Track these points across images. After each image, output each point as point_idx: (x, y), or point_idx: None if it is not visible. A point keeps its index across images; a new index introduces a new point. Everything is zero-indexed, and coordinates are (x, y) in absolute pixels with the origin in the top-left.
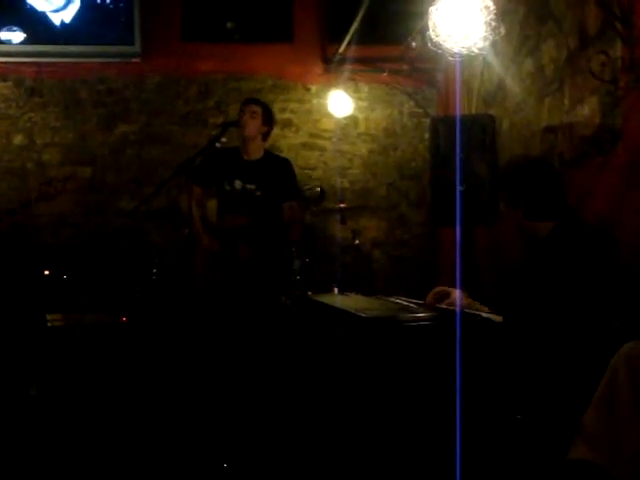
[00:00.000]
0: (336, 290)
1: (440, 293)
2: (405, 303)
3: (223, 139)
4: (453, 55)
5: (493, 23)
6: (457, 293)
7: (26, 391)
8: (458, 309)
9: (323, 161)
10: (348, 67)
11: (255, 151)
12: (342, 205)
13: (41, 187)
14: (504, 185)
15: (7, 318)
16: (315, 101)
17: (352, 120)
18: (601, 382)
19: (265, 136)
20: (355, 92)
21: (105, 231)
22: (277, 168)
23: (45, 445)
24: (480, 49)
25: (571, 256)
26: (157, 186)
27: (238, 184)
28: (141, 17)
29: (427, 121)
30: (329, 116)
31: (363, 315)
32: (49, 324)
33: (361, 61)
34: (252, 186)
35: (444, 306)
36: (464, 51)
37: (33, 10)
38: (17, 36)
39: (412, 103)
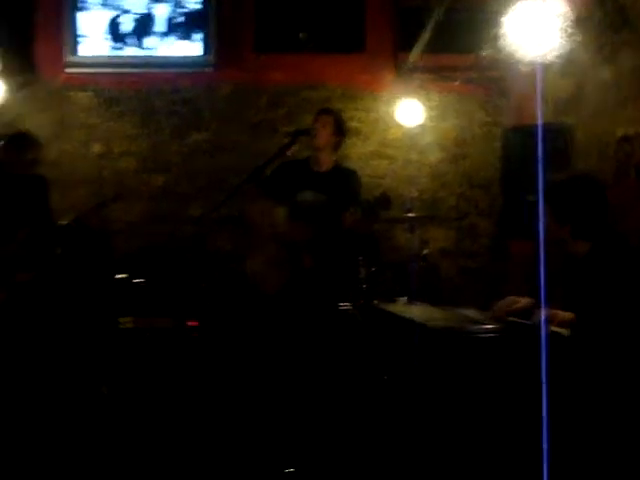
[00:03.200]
0: (403, 300)
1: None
2: (472, 314)
3: (293, 147)
4: (526, 65)
5: (569, 30)
6: (527, 301)
7: (98, 389)
8: (543, 326)
9: (392, 170)
10: (419, 76)
11: (325, 162)
12: (410, 214)
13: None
14: (551, 200)
15: (81, 319)
16: (385, 110)
17: (422, 129)
18: None
19: (336, 147)
20: (426, 101)
21: (176, 237)
22: (345, 180)
23: (114, 441)
24: (554, 57)
25: (610, 276)
26: (227, 194)
27: (308, 195)
28: (215, 28)
29: (498, 130)
30: (398, 125)
31: (429, 325)
32: (120, 326)
33: (432, 70)
34: (321, 197)
35: (514, 319)
36: (538, 60)
37: (114, 22)
38: (98, 48)
39: (483, 112)
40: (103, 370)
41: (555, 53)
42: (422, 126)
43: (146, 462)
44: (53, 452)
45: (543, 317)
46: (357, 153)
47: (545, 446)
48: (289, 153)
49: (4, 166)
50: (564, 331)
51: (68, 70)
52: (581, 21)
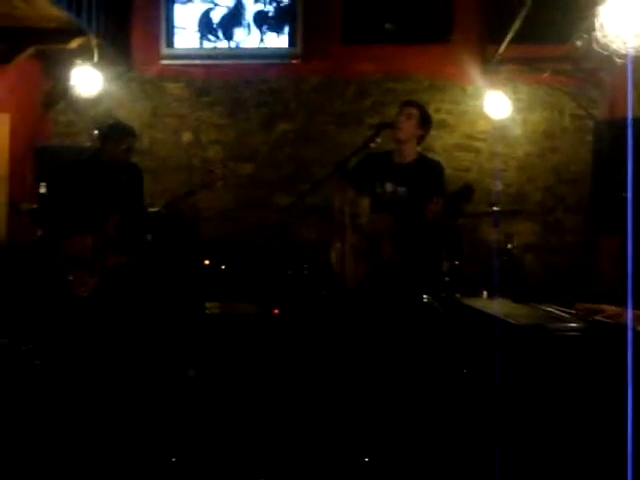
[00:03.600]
0: (485, 294)
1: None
2: (557, 312)
3: (378, 139)
4: (622, 56)
5: None
6: (612, 308)
7: (185, 373)
8: (630, 324)
9: (478, 163)
10: (507, 67)
11: (408, 154)
12: (495, 208)
13: (203, 177)
14: None
15: (169, 304)
16: (471, 102)
17: (509, 121)
18: None
19: (420, 139)
20: (514, 93)
21: (262, 225)
22: (429, 171)
23: (200, 423)
24: None
25: None
26: (312, 183)
27: (389, 187)
28: (303, 20)
29: (590, 123)
30: (485, 117)
31: (513, 322)
32: (207, 312)
33: (521, 61)
34: (403, 189)
35: (599, 318)
36: (633, 52)
37: (207, 15)
38: (190, 41)
39: (574, 104)
40: (190, 354)
41: None
42: (510, 119)
43: (233, 444)
44: (143, 432)
45: (630, 317)
46: (442, 145)
47: (630, 447)
48: (373, 145)
49: (101, 154)
50: None
51: (163, 62)
52: None
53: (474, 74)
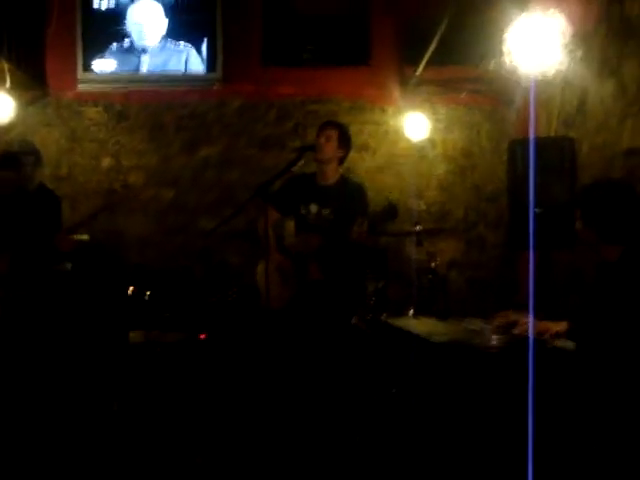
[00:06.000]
0: (411, 313)
1: (508, 318)
2: (476, 327)
3: (300, 163)
4: (528, 80)
5: (570, 46)
6: (530, 319)
7: (109, 406)
8: (531, 336)
9: (400, 183)
10: (425, 89)
11: (331, 175)
12: (418, 227)
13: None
14: (581, 203)
15: (91, 334)
16: (392, 123)
17: (429, 142)
18: None
19: (341, 160)
20: (432, 114)
21: (186, 251)
22: (351, 192)
23: (124, 456)
24: (556, 73)
25: (634, 282)
26: (234, 208)
27: (314, 208)
28: (222, 44)
29: (506, 142)
30: (406, 138)
31: (432, 340)
32: (131, 341)
33: (438, 82)
34: (327, 210)
35: (516, 332)
36: (539, 76)
37: (123, 39)
38: (108, 64)
39: (490, 124)
40: (114, 386)
41: (556, 68)
42: (429, 139)
43: (157, 477)
44: (63, 468)
45: (531, 329)
46: (365, 167)
47: (530, 457)
48: (295, 169)
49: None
50: (569, 345)
51: (80, 86)
52: (587, 34)
53: (394, 96)
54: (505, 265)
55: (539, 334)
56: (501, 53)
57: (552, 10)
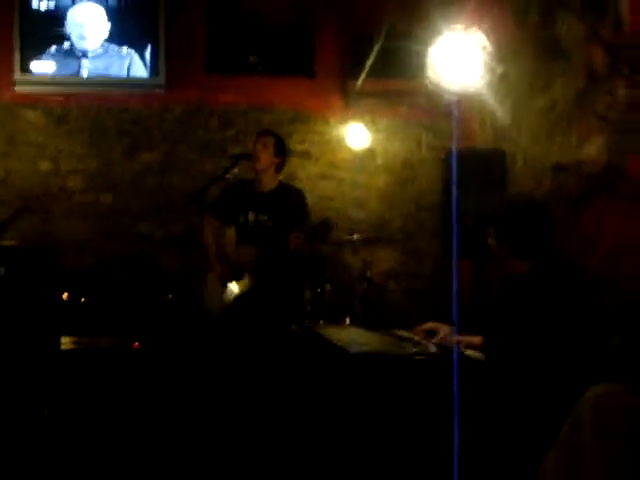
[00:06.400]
0: (347, 321)
1: (429, 329)
2: (404, 337)
3: (234, 170)
4: (450, 94)
5: (490, 63)
6: (446, 329)
7: (39, 412)
8: (456, 350)
9: (340, 192)
10: (367, 101)
11: (268, 182)
12: (355, 236)
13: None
14: (494, 220)
15: (21, 340)
16: (334, 133)
17: (370, 152)
18: (564, 426)
19: (278, 167)
20: (373, 125)
21: (125, 256)
22: (289, 198)
23: (54, 465)
24: (476, 89)
25: (548, 293)
26: (176, 213)
27: (251, 216)
28: (165, 49)
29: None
30: (348, 148)
31: (350, 351)
32: (62, 347)
33: (379, 95)
34: (264, 217)
35: (434, 341)
36: (460, 90)
37: (63, 42)
38: (48, 66)
39: (430, 136)
40: (43, 392)
41: (477, 85)
42: (370, 149)
43: None
44: None
45: (455, 341)
46: (307, 174)
47: (456, 465)
48: (229, 176)
49: None
50: (478, 355)
51: (17, 88)
52: (520, 50)
53: (336, 107)
54: (442, 276)
55: (454, 344)
56: (425, 67)
57: (474, 28)
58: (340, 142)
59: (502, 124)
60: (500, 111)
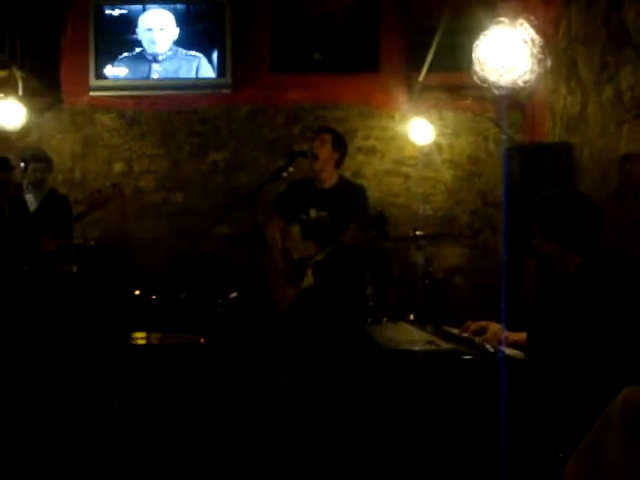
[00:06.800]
0: (412, 317)
1: (480, 327)
2: (453, 335)
3: (290, 169)
4: (499, 89)
5: (539, 56)
6: (495, 327)
7: (110, 405)
8: (501, 348)
9: (406, 188)
10: (432, 94)
11: (328, 179)
12: (418, 232)
13: (92, 197)
14: (542, 216)
15: (95, 335)
16: (399, 128)
17: (436, 147)
18: (592, 428)
19: (338, 163)
20: (439, 119)
21: (194, 254)
22: (350, 194)
23: (124, 456)
24: (525, 82)
25: (598, 291)
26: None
27: (312, 212)
28: (232, 50)
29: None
30: (412, 143)
31: (384, 346)
32: (133, 342)
33: (445, 88)
34: (325, 213)
35: (479, 340)
36: (509, 85)
37: (134, 47)
38: (120, 71)
39: (497, 129)
40: (115, 386)
41: (527, 78)
42: (436, 144)
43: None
44: (66, 468)
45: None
46: (372, 171)
47: (502, 464)
48: (285, 175)
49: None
50: (518, 354)
51: (92, 93)
52: (588, 39)
53: (401, 101)
54: (508, 272)
55: (499, 343)
56: (473, 63)
57: (521, 20)
58: (405, 137)
59: (569, 116)
60: (567, 103)
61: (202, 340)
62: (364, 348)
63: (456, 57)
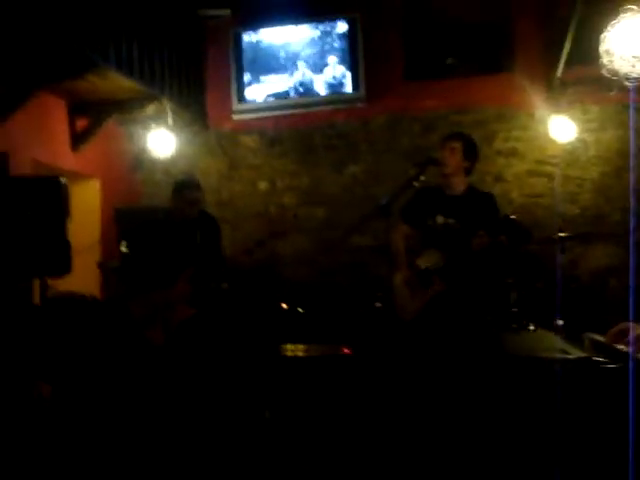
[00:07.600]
0: (560, 322)
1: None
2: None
3: (422, 177)
4: (631, 81)
5: None
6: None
7: (261, 414)
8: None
9: (550, 188)
10: (573, 89)
11: (457, 186)
12: (561, 234)
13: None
14: None
15: (246, 347)
16: (539, 128)
17: (581, 143)
18: None
19: (468, 171)
20: (583, 114)
21: (338, 266)
22: (480, 202)
23: (272, 460)
24: None
25: None
26: (356, 223)
27: (440, 219)
28: (365, 63)
29: None
30: (555, 142)
31: (510, 353)
32: (284, 354)
33: (586, 82)
34: (453, 220)
35: (619, 347)
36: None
37: (275, 69)
38: (259, 93)
39: None
40: (266, 396)
41: None
42: (581, 140)
43: None
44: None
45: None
46: (513, 173)
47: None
48: (416, 184)
49: (173, 211)
50: None
51: (235, 117)
52: None
53: (539, 99)
54: None
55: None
56: (598, 56)
57: None
58: (546, 136)
59: None
60: None
61: (346, 351)
62: (490, 355)
63: (594, 47)
